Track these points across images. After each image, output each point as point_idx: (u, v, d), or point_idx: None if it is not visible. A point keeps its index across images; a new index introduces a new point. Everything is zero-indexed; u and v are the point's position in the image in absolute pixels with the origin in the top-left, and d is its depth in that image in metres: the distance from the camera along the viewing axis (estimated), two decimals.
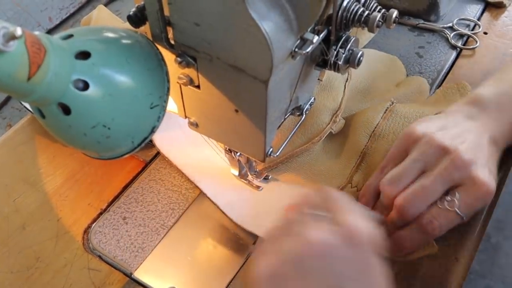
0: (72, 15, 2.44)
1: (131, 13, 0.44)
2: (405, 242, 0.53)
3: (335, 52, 0.45)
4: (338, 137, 0.64)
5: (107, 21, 0.76)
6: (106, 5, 2.40)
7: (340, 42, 0.45)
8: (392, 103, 0.65)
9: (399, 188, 0.53)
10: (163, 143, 0.64)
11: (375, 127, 0.62)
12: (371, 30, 0.43)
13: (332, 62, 0.46)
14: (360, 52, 0.46)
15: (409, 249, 0.53)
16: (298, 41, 0.40)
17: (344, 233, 0.41)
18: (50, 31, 2.20)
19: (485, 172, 0.51)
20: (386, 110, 0.64)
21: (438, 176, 0.51)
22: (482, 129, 0.55)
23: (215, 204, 0.60)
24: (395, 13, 0.44)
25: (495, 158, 0.55)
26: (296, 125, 0.54)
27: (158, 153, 0.66)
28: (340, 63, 0.45)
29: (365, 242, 0.41)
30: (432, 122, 0.57)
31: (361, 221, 0.42)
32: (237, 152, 0.57)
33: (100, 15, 0.76)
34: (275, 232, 0.45)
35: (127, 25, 0.75)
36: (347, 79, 0.67)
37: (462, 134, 0.54)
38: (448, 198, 0.51)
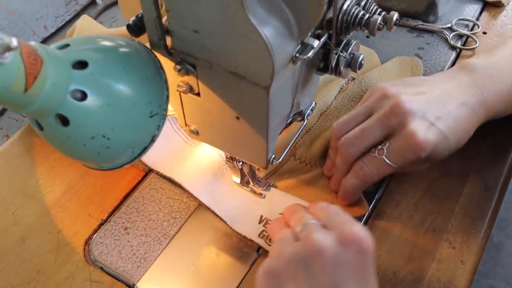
0: (67, 23, 2.44)
1: (130, 22, 0.43)
2: (347, 188, 0.56)
3: (336, 56, 0.44)
4: None
5: (90, 28, 0.75)
6: (101, 12, 2.41)
7: (341, 46, 0.44)
8: (349, 80, 0.68)
9: (345, 130, 0.56)
10: (155, 161, 0.64)
11: (327, 108, 0.66)
12: (372, 33, 0.43)
13: (333, 66, 0.45)
14: (361, 56, 0.45)
15: (351, 195, 0.57)
16: (299, 46, 0.40)
17: (348, 239, 0.43)
18: (45, 40, 2.20)
19: (422, 125, 0.52)
20: (340, 90, 0.67)
21: (377, 120, 0.54)
22: (458, 90, 0.56)
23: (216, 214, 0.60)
24: (395, 15, 0.43)
25: (464, 121, 0.55)
26: (298, 131, 0.54)
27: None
28: (341, 67, 0.45)
29: (367, 249, 0.43)
30: (400, 80, 0.59)
31: (362, 230, 0.44)
32: (239, 161, 0.56)
33: (84, 23, 0.75)
34: (281, 236, 0.47)
35: (112, 31, 0.75)
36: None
37: (425, 91, 0.56)
38: (380, 146, 0.54)
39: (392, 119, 0.53)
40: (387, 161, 0.53)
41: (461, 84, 0.56)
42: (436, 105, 0.54)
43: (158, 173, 0.63)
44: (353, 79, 0.67)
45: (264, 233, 0.57)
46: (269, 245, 0.56)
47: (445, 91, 0.56)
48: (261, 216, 0.58)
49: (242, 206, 0.60)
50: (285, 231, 0.48)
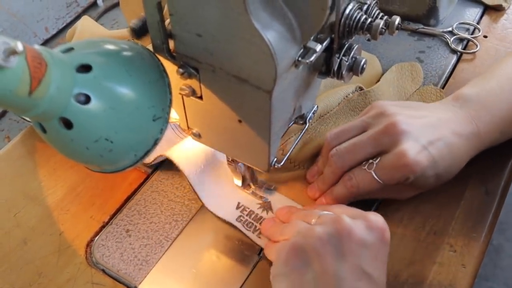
0: (68, 25, 2.44)
1: (132, 25, 0.43)
2: (335, 196, 0.57)
3: (338, 60, 0.44)
4: None
5: (91, 30, 0.75)
6: (102, 14, 2.42)
7: (343, 50, 0.44)
8: (356, 90, 0.67)
9: (338, 141, 0.57)
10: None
11: (327, 113, 0.66)
12: (374, 37, 0.43)
13: (335, 70, 0.45)
14: (364, 60, 0.45)
15: (335, 202, 0.58)
16: (301, 50, 0.40)
17: (373, 226, 0.48)
18: (46, 41, 2.20)
19: (415, 147, 0.53)
20: (345, 97, 0.67)
21: (370, 137, 0.55)
22: (453, 120, 0.57)
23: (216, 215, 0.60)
24: (397, 19, 0.44)
25: (457, 150, 0.55)
26: (300, 134, 0.54)
27: (160, 164, 0.65)
28: (343, 71, 0.45)
29: (387, 238, 0.48)
30: (399, 101, 0.62)
31: (384, 221, 0.49)
32: (238, 162, 0.56)
33: (85, 25, 0.75)
34: (297, 226, 0.50)
35: (114, 32, 0.76)
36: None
37: (421, 115, 0.57)
38: (370, 160, 0.55)
39: (385, 138, 0.54)
40: (374, 176, 0.54)
41: (455, 115, 0.57)
42: (430, 130, 0.55)
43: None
44: (361, 89, 0.67)
45: (241, 218, 0.59)
46: (248, 230, 0.58)
47: (440, 119, 0.56)
48: (239, 202, 0.61)
49: (221, 191, 0.61)
50: (300, 222, 0.50)
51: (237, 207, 0.60)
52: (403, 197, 0.59)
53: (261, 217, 0.59)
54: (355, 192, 0.56)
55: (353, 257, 0.46)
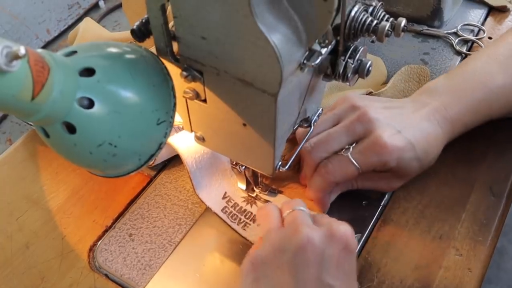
0: (70, 27, 2.44)
1: (134, 27, 0.43)
2: (312, 186, 0.57)
3: (344, 63, 0.44)
4: None
5: (94, 32, 0.75)
6: (104, 16, 2.42)
7: (349, 53, 0.44)
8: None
9: (311, 137, 0.57)
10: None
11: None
12: (380, 39, 0.42)
13: (340, 72, 0.45)
14: (369, 62, 0.45)
15: (317, 194, 0.57)
16: (307, 52, 0.39)
17: (335, 236, 0.46)
18: (48, 43, 2.20)
19: (388, 131, 0.54)
20: None
21: (343, 127, 0.56)
22: (421, 109, 0.58)
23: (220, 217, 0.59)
24: (403, 21, 0.43)
25: (429, 134, 0.56)
26: (305, 138, 0.53)
27: (163, 167, 0.65)
28: (348, 73, 0.44)
29: (351, 247, 0.46)
30: (368, 95, 0.62)
31: (349, 229, 0.47)
32: (242, 166, 0.56)
33: (87, 27, 0.75)
34: (271, 226, 0.49)
35: (116, 34, 0.75)
36: None
37: (391, 106, 0.58)
38: (346, 147, 0.55)
39: (358, 126, 0.55)
40: (351, 158, 0.54)
41: (423, 104, 0.58)
42: (401, 118, 0.56)
43: None
44: (371, 93, 0.67)
45: (226, 209, 0.59)
46: (233, 222, 0.59)
47: (409, 109, 0.58)
48: (225, 192, 0.61)
49: (211, 174, 0.61)
50: (274, 220, 0.50)
51: (223, 197, 0.60)
52: (390, 187, 0.59)
53: (245, 210, 0.59)
54: (332, 178, 0.55)
55: (312, 269, 0.44)
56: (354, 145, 0.55)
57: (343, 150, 0.55)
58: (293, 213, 0.49)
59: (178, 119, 0.50)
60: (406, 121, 0.56)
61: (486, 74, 0.59)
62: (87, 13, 2.40)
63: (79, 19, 2.34)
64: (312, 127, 0.53)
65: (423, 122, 0.56)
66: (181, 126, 0.60)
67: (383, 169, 0.55)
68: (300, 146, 0.53)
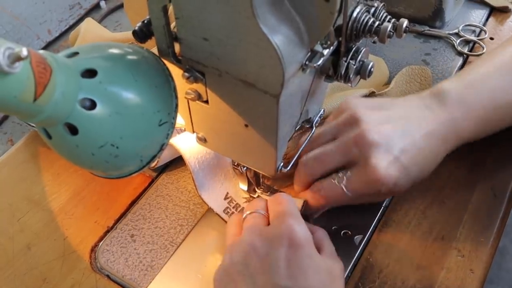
0: (71, 27, 2.45)
1: (136, 28, 0.43)
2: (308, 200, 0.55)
3: (346, 64, 0.44)
4: None
5: (95, 32, 0.75)
6: (105, 16, 2.42)
7: (351, 53, 0.44)
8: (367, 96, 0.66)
9: (309, 148, 0.55)
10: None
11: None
12: (382, 40, 0.42)
13: (342, 73, 0.45)
14: (371, 63, 0.45)
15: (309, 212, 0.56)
16: (309, 53, 0.39)
17: (276, 236, 0.46)
18: (49, 44, 2.20)
19: (385, 159, 0.51)
20: None
21: (339, 146, 0.53)
22: (429, 118, 0.54)
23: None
24: (405, 22, 0.43)
25: (430, 152, 0.54)
26: (307, 139, 0.53)
27: (165, 168, 0.65)
28: (350, 74, 0.44)
29: (297, 242, 0.45)
30: (373, 100, 0.58)
31: (291, 224, 0.47)
32: (244, 166, 0.56)
33: (88, 27, 0.75)
34: (229, 236, 0.51)
35: (117, 35, 0.75)
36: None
37: (392, 118, 0.54)
38: (340, 174, 0.53)
39: (354, 149, 0.52)
40: (344, 189, 0.52)
41: (432, 113, 0.55)
42: (402, 136, 0.52)
43: None
44: (373, 93, 0.66)
45: (228, 210, 0.59)
46: None
47: (414, 119, 0.54)
48: (227, 193, 0.60)
49: (214, 175, 0.60)
50: (233, 229, 0.52)
51: (225, 198, 0.60)
52: (376, 201, 0.58)
53: None
54: (323, 204, 0.54)
55: (263, 276, 0.44)
56: (348, 173, 0.52)
57: (339, 176, 0.53)
58: (245, 220, 0.51)
59: (179, 121, 0.50)
60: (408, 140, 0.52)
61: (497, 90, 0.57)
62: (88, 13, 2.40)
63: (80, 20, 2.34)
64: (314, 128, 0.53)
65: (426, 139, 0.53)
66: (183, 129, 0.60)
67: (375, 195, 0.53)
68: (302, 147, 0.53)
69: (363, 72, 0.45)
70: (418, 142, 0.53)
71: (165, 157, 0.63)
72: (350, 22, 0.41)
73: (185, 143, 0.59)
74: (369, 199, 0.55)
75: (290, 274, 0.44)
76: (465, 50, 0.76)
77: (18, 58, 0.29)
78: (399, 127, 0.53)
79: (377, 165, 0.50)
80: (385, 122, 0.53)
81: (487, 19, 0.82)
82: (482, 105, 0.56)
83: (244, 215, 0.51)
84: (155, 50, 0.43)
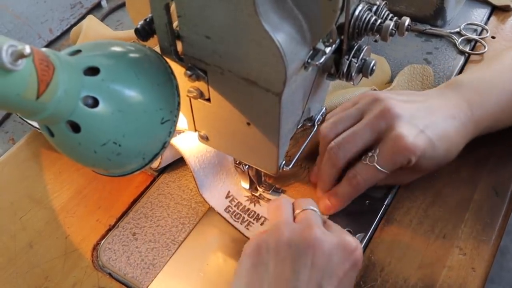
0: (72, 26, 2.44)
1: (138, 26, 0.43)
2: (339, 195, 0.56)
3: (348, 62, 0.44)
4: None
5: (97, 30, 0.75)
6: (107, 15, 2.42)
7: (353, 52, 0.44)
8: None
9: (334, 133, 0.56)
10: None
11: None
12: (384, 38, 0.42)
13: (344, 71, 0.45)
14: (373, 61, 0.45)
15: (342, 203, 0.57)
16: (311, 51, 0.39)
17: (346, 247, 0.46)
18: (51, 43, 2.20)
19: (411, 129, 0.53)
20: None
21: (367, 123, 0.54)
22: (447, 104, 0.56)
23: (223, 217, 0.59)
24: (407, 21, 0.43)
25: (453, 133, 0.55)
26: (309, 137, 0.53)
27: (166, 167, 0.65)
28: (352, 72, 0.44)
29: (358, 263, 0.46)
30: (395, 92, 0.60)
31: (359, 244, 0.47)
32: (245, 165, 0.56)
33: (90, 24, 0.75)
34: (283, 219, 0.49)
35: (119, 33, 0.75)
36: None
37: (415, 99, 0.57)
38: (370, 153, 0.54)
39: (381, 122, 0.54)
40: (378, 167, 0.54)
41: (449, 100, 0.57)
42: (425, 114, 0.55)
43: None
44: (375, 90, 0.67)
45: (229, 208, 0.59)
46: (236, 221, 0.59)
47: (434, 104, 0.56)
48: (229, 191, 0.61)
49: (215, 174, 0.61)
50: (287, 213, 0.50)
51: (227, 196, 0.60)
52: (403, 181, 0.59)
53: (248, 209, 0.59)
54: (362, 188, 0.56)
55: (314, 272, 0.44)
56: (377, 151, 0.54)
57: (369, 156, 0.54)
58: (306, 212, 0.49)
59: (180, 124, 0.50)
60: (431, 118, 0.55)
61: (510, 81, 0.58)
62: (89, 12, 2.40)
63: (82, 19, 2.33)
64: (316, 126, 0.53)
65: (447, 120, 0.55)
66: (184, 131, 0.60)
67: (407, 166, 0.54)
68: (304, 145, 0.53)
69: (365, 70, 0.45)
70: (441, 122, 0.55)
71: (167, 158, 0.63)
72: (352, 20, 0.41)
73: (185, 143, 0.59)
74: (403, 177, 0.57)
75: (335, 286, 0.44)
76: (467, 49, 0.76)
77: (21, 56, 0.30)
78: (422, 108, 0.55)
79: (404, 133, 0.52)
80: (407, 102, 0.56)
81: (488, 18, 0.82)
82: (497, 97, 0.57)
83: (298, 211, 0.50)
84: (157, 48, 0.43)
